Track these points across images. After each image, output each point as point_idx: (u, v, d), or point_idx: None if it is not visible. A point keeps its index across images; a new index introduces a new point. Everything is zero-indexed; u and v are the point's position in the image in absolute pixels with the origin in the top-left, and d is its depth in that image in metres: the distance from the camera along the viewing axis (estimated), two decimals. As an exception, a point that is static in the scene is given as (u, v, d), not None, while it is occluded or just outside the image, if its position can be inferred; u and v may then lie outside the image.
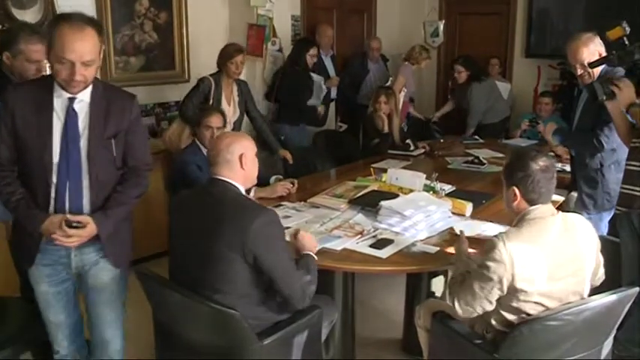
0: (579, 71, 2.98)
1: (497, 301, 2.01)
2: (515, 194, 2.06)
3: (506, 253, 1.93)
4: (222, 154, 2.14)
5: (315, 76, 5.05)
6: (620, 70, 2.85)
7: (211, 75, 4.11)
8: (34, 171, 2.09)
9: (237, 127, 4.23)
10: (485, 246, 2.02)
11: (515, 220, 2.10)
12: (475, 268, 2.04)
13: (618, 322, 2.07)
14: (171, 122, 4.73)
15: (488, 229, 2.70)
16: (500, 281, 1.95)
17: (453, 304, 2.07)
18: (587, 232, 2.09)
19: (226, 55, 4.07)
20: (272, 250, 2.05)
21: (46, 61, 2.40)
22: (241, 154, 2.15)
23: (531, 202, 2.05)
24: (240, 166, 2.15)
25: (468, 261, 2.22)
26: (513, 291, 1.96)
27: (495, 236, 2.00)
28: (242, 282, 2.04)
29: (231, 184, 2.14)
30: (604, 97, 2.69)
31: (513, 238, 1.97)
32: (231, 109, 4.16)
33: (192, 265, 2.10)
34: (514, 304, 1.99)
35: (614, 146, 2.97)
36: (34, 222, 2.08)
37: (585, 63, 2.92)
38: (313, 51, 4.99)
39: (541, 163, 2.04)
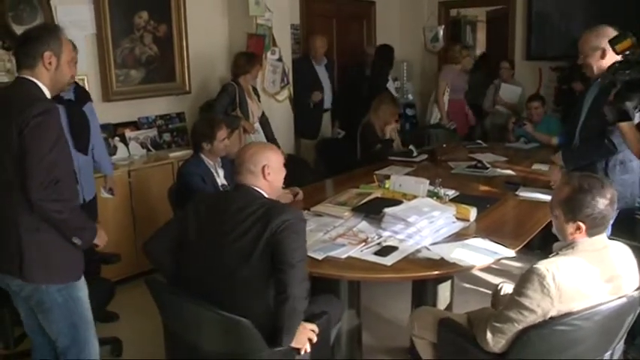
0: (581, 61, 2.94)
1: None
2: (579, 228, 1.95)
3: (554, 287, 1.83)
4: (245, 165, 2.20)
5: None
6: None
7: (232, 81, 4.48)
8: None
9: (263, 122, 4.66)
10: (531, 275, 1.88)
11: (566, 246, 2.00)
12: (515, 298, 1.91)
13: (629, 325, 2.04)
14: (173, 134, 4.77)
15: (475, 243, 2.62)
16: (544, 315, 1.87)
17: (486, 337, 1.98)
18: (632, 264, 2.00)
19: (247, 63, 4.49)
20: (293, 244, 2.03)
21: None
22: (264, 165, 2.20)
23: (593, 235, 1.96)
24: (263, 177, 2.20)
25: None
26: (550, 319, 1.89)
27: (542, 266, 1.88)
28: (259, 282, 2.04)
29: (255, 189, 2.19)
30: (613, 119, 2.52)
31: (564, 269, 1.86)
32: (255, 106, 4.60)
33: (213, 266, 2.09)
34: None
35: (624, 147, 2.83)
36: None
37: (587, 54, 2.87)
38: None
39: (608, 195, 1.93)
